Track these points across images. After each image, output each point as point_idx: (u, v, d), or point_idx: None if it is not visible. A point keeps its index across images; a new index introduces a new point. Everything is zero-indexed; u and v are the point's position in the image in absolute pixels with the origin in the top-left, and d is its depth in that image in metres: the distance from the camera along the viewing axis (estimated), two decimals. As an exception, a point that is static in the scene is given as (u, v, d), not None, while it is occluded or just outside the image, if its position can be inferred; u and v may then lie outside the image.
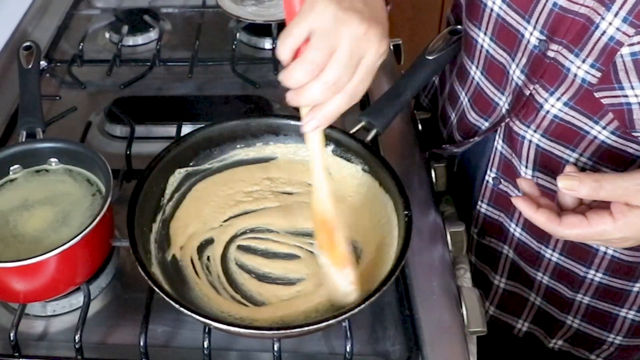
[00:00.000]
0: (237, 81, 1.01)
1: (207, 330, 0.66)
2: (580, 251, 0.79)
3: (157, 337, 0.70)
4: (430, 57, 0.84)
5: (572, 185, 0.59)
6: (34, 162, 0.76)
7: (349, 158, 0.77)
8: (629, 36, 0.59)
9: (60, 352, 0.69)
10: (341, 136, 0.76)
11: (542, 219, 0.62)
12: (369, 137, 0.77)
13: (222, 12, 1.11)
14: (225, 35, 1.12)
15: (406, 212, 0.68)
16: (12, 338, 0.67)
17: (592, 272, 0.80)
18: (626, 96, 0.61)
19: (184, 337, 0.70)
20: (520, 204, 0.63)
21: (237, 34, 1.10)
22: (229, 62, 1.04)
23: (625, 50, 0.60)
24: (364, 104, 0.96)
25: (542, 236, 0.80)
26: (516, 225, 0.83)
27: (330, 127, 0.76)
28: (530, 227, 0.81)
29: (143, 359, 0.66)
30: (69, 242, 0.64)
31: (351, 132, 0.77)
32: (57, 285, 0.69)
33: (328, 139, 0.76)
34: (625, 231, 0.59)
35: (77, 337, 0.67)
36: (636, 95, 0.61)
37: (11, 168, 0.75)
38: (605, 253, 0.77)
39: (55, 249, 0.64)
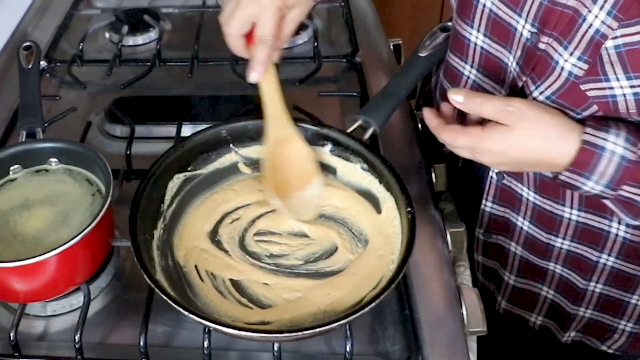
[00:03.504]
0: (237, 81, 1.01)
1: (206, 330, 0.66)
2: (591, 235, 0.78)
3: (157, 337, 0.70)
4: (423, 55, 0.84)
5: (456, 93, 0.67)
6: (34, 162, 0.76)
7: (347, 157, 0.77)
8: (613, 29, 0.60)
9: (60, 352, 0.69)
10: (339, 135, 0.77)
11: (434, 123, 0.70)
12: (366, 136, 0.77)
13: (222, 12, 1.11)
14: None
15: (409, 210, 0.68)
16: (12, 338, 0.67)
17: (604, 256, 0.79)
18: (612, 88, 0.63)
19: (184, 337, 0.70)
20: (426, 111, 0.71)
21: (237, 34, 1.09)
22: (229, 62, 1.04)
23: (609, 43, 0.61)
24: (363, 102, 0.96)
25: (552, 226, 0.80)
26: (523, 219, 0.83)
27: (328, 127, 0.77)
28: (538, 219, 0.81)
29: (143, 359, 0.67)
30: (69, 242, 0.64)
31: (348, 131, 0.77)
32: (57, 285, 0.69)
33: (326, 138, 0.77)
34: (491, 145, 0.66)
35: (77, 337, 0.67)
36: (621, 87, 0.62)
37: (11, 168, 0.75)
38: (617, 235, 0.77)
39: (55, 249, 0.64)
